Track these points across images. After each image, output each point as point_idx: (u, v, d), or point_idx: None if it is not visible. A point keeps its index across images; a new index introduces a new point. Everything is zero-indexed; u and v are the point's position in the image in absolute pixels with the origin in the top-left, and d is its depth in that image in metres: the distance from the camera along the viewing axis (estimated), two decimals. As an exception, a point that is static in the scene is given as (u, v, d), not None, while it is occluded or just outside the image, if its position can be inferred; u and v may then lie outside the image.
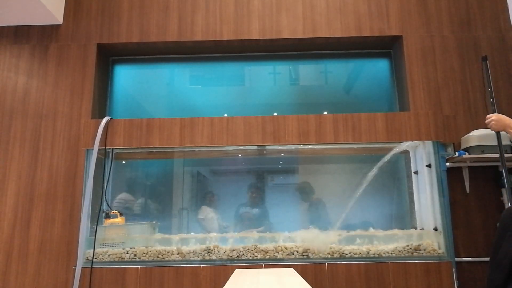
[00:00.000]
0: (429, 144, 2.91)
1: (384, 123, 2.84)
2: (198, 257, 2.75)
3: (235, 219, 3.38)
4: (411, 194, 3.13)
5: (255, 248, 2.76)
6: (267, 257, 2.73)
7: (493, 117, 2.14)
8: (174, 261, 2.73)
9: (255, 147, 3.01)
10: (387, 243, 2.82)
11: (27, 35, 3.37)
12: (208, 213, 3.42)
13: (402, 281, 2.61)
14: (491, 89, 2.65)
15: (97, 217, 2.82)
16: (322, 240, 2.77)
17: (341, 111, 3.02)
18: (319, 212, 3.30)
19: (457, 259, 2.77)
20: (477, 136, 2.82)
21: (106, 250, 2.78)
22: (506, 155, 2.76)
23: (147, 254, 2.76)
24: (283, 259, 2.73)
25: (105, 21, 3.38)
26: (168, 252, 2.77)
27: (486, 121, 2.22)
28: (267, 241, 2.85)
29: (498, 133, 2.39)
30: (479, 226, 2.92)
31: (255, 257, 2.74)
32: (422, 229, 2.93)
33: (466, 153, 2.80)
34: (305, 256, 2.73)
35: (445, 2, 3.31)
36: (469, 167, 2.96)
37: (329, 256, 2.72)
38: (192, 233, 3.04)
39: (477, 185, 2.97)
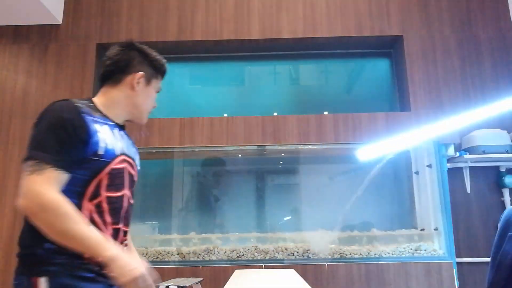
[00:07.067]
0: (429, 144, 2.90)
1: (385, 123, 2.83)
2: (198, 257, 2.74)
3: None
4: (411, 194, 3.12)
5: (255, 249, 2.75)
6: (267, 257, 2.73)
7: None
8: (174, 261, 2.72)
9: (255, 147, 3.00)
10: (388, 243, 2.81)
11: (26, 34, 3.35)
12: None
13: (402, 281, 2.60)
14: None
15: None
16: (322, 240, 2.77)
17: (342, 111, 3.01)
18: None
19: (457, 259, 2.76)
20: (478, 136, 2.81)
21: (106, 250, 2.77)
22: (506, 155, 2.77)
23: (146, 254, 2.75)
24: (283, 259, 2.72)
25: (105, 20, 3.37)
26: (168, 253, 2.76)
27: None
28: (267, 242, 2.84)
29: None
30: (479, 226, 2.91)
31: (255, 258, 2.73)
32: (423, 229, 2.92)
33: (467, 153, 2.79)
34: (305, 257, 2.72)
35: (446, 2, 3.30)
36: (470, 167, 2.95)
37: (330, 256, 2.71)
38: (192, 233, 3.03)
39: (478, 186, 2.96)
